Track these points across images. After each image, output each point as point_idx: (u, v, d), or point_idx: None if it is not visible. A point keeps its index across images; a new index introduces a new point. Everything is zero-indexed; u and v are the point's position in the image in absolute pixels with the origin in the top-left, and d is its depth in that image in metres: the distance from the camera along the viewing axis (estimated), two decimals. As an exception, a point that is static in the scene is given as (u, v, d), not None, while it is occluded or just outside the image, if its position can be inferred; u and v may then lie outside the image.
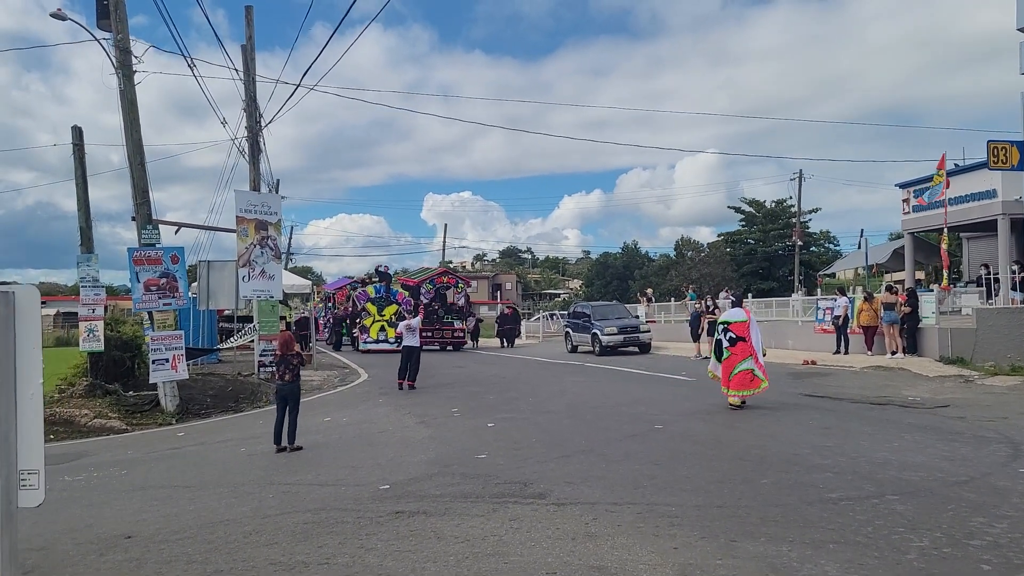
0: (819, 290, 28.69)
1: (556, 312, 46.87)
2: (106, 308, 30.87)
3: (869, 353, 18.82)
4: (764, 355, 12.39)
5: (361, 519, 6.51)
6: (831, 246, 65.06)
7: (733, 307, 12.89)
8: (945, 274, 18.90)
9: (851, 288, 29.08)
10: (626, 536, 5.63)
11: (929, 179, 24.82)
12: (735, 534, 5.55)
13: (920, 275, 29.82)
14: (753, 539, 5.42)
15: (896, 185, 28.11)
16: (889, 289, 18.92)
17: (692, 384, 15.72)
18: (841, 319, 19.74)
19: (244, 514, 6.93)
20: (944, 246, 18.80)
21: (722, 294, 24.87)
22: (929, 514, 5.85)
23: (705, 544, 5.36)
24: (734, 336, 12.01)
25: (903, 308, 17.60)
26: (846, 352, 19.66)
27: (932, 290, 19.37)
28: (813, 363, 18.43)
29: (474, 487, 7.45)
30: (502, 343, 33.69)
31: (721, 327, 12.34)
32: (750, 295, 25.60)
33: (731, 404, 11.90)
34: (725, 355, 12.04)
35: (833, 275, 51.55)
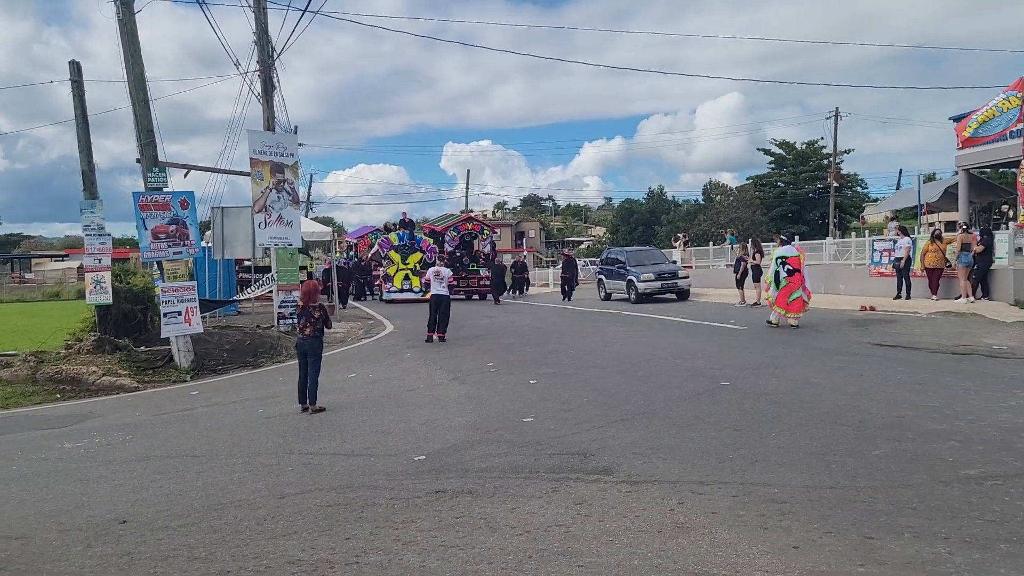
0: (865, 232, 27.11)
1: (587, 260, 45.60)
2: (127, 260, 30.14)
3: (934, 298, 17.43)
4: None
5: (395, 500, 5.44)
6: (860, 189, 62.91)
7: (783, 245, 15.56)
8: (1021, 210, 17.37)
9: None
10: (726, 528, 4.50)
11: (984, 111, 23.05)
12: (867, 527, 4.39)
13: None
14: (894, 535, 4.26)
15: (950, 119, 26.34)
16: (965, 229, 17.39)
17: (746, 333, 14.50)
18: (903, 261, 18.31)
19: (258, 493, 5.88)
20: (1022, 179, 17.23)
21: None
22: (1112, 500, 4.66)
23: (833, 542, 4.20)
24: (791, 268, 14.72)
25: (976, 248, 16.17)
26: (908, 297, 18.26)
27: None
28: (872, 309, 17.09)
29: (525, 459, 6.34)
30: (564, 294, 29.25)
31: (779, 260, 14.91)
32: (796, 237, 24.16)
33: (770, 321, 14.98)
34: (783, 283, 14.73)
35: (863, 219, 49.53)
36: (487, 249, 32.18)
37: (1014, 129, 17.71)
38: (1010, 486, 4.97)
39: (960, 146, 25.03)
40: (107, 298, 14.24)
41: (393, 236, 30.34)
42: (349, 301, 27.97)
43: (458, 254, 31.21)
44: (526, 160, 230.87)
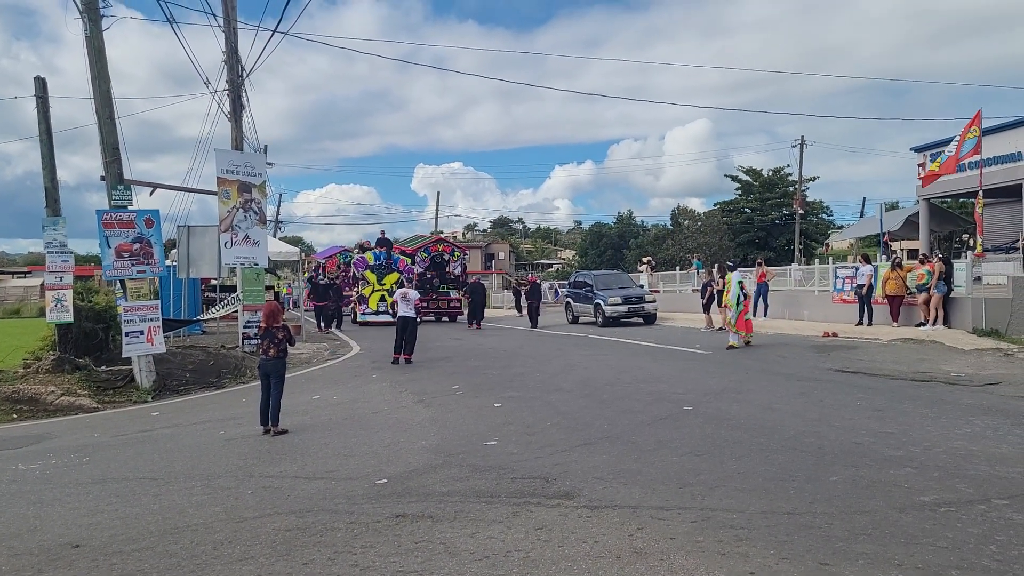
0: (830, 259, 27.57)
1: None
2: (92, 278, 29.53)
3: (895, 325, 17.73)
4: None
5: (355, 524, 5.40)
6: (825, 216, 63.99)
7: (730, 271, 16.92)
8: (979, 240, 17.79)
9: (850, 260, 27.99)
10: (684, 554, 4.52)
11: (946, 142, 23.63)
12: (823, 553, 4.44)
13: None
14: (848, 561, 4.31)
15: (911, 149, 27.02)
16: (940, 258, 17.68)
17: (710, 358, 14.62)
18: (865, 288, 18.62)
19: (216, 516, 5.80)
20: (979, 210, 17.66)
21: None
22: (1059, 526, 4.76)
23: (789, 568, 4.25)
24: (746, 292, 16.41)
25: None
26: (869, 323, 18.56)
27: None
28: (834, 335, 17.34)
29: (487, 483, 6.33)
30: (532, 321, 25.44)
31: (739, 283, 16.21)
32: (762, 263, 24.52)
33: (732, 344, 15.84)
34: (740, 306, 16.10)
35: (827, 245, 50.36)
36: (457, 271, 32.08)
37: (971, 161, 18.19)
38: (962, 513, 5.06)
39: (920, 175, 25.58)
40: (68, 316, 14.00)
41: (369, 255, 29.73)
42: (321, 326, 27.29)
43: (428, 275, 31.07)
44: (497, 183, 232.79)
